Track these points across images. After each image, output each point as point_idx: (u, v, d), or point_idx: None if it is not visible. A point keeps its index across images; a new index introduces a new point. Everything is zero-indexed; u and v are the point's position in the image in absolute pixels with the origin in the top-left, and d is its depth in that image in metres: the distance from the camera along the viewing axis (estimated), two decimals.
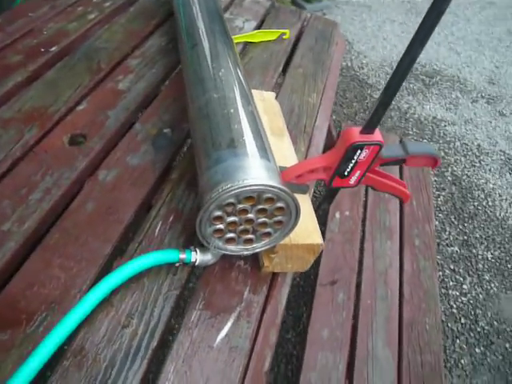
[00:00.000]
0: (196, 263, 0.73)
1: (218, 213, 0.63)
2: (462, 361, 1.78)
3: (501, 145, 2.86)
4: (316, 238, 0.75)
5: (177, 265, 0.74)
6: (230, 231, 0.67)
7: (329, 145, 1.58)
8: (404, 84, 3.23)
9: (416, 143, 0.84)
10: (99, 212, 0.80)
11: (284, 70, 1.32)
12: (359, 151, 0.73)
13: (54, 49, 1.13)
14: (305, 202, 0.78)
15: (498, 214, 2.39)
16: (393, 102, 3.08)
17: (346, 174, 0.78)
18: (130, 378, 0.61)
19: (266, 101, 0.99)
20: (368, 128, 0.73)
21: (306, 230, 0.75)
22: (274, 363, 1.61)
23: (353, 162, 0.75)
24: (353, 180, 0.80)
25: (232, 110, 0.74)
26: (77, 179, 0.85)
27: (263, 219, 0.66)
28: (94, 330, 0.65)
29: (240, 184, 0.60)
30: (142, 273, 0.72)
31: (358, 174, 0.78)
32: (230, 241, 0.69)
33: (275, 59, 1.33)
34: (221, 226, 0.65)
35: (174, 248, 0.75)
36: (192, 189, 0.88)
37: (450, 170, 2.58)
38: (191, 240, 0.79)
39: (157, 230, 0.79)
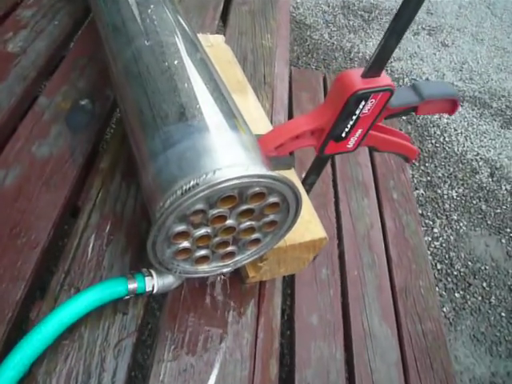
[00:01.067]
0: (154, 291, 0.50)
1: (181, 227, 0.40)
2: (444, 309, 1.70)
3: (448, 76, 2.75)
4: (317, 229, 0.54)
5: (126, 298, 0.51)
6: (201, 248, 0.44)
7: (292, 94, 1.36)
8: (343, 21, 3.02)
9: (430, 84, 0.64)
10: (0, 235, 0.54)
11: (226, 9, 1.05)
12: (363, 103, 0.52)
13: None
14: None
15: (456, 150, 2.30)
16: (334, 42, 2.88)
17: (343, 135, 0.57)
18: None
19: (214, 47, 0.74)
20: (373, 69, 0.52)
21: (302, 220, 0.53)
22: None
23: (354, 118, 0.54)
24: (352, 142, 0.59)
25: (176, 62, 0.49)
26: None
27: (249, 223, 0.43)
28: None
29: (210, 179, 0.37)
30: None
31: (359, 133, 0.58)
32: (201, 260, 0.46)
33: None
34: (186, 245, 0.42)
35: (119, 274, 0.52)
36: (131, 180, 0.63)
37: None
38: (140, 256, 0.56)
39: (89, 249, 0.55)
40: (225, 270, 0.49)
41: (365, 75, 0.52)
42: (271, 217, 0.44)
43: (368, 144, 0.62)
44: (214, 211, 0.39)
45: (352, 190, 1.32)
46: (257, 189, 0.39)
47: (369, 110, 0.54)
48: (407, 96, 0.58)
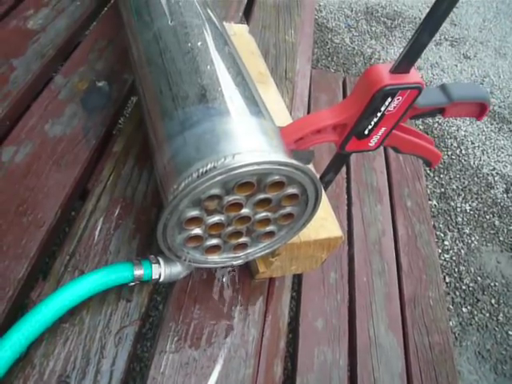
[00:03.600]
0: (160, 279, 0.48)
1: (194, 212, 0.38)
2: (451, 323, 1.66)
3: None
4: (333, 228, 0.52)
5: (131, 284, 0.49)
6: (213, 236, 0.42)
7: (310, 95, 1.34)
8: (365, 27, 3.00)
9: (461, 85, 0.61)
10: (5, 211, 0.53)
11: (250, 2, 1.03)
12: (389, 99, 0.50)
13: None
14: None
15: (472, 163, 2.27)
16: (355, 47, 2.85)
17: (366, 132, 0.55)
18: None
19: (237, 36, 0.72)
20: (403, 64, 0.49)
21: (318, 217, 0.51)
22: None
23: (379, 114, 0.52)
24: (374, 141, 0.57)
25: (199, 44, 0.47)
26: None
27: (264, 214, 0.41)
28: None
29: (230, 163, 0.35)
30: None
31: (382, 131, 0.56)
32: (212, 250, 0.44)
33: None
34: (198, 231, 0.40)
35: (124, 260, 0.50)
36: (144, 165, 0.62)
37: (415, 120, 2.41)
38: (149, 243, 0.54)
39: (97, 233, 0.53)
40: (235, 263, 0.47)
41: (394, 70, 0.50)
42: (288, 209, 0.42)
43: (390, 144, 0.60)
44: (230, 198, 0.37)
45: (365, 195, 1.29)
46: (276, 177, 0.37)
47: (395, 107, 0.52)
48: (435, 96, 0.55)
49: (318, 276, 1.09)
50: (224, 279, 0.54)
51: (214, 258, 0.45)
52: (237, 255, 0.46)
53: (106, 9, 0.87)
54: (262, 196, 0.39)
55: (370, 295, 1.08)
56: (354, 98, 0.53)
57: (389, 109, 0.52)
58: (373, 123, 0.54)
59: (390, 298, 1.09)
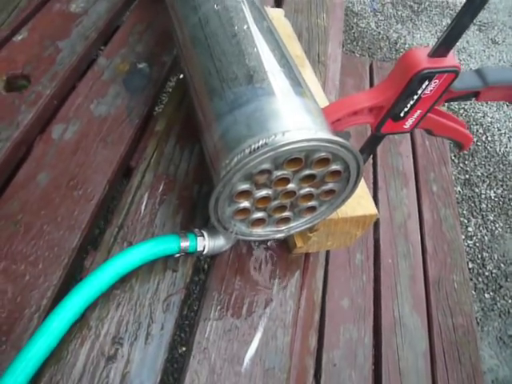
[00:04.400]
0: (204, 251, 0.51)
1: (245, 186, 0.40)
2: (473, 308, 1.67)
3: None
4: (368, 206, 0.54)
5: (177, 256, 0.52)
6: (259, 210, 0.45)
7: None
8: (391, 11, 2.95)
9: (496, 69, 0.62)
10: (58, 185, 0.56)
11: None
12: (427, 82, 0.51)
13: None
14: None
15: (498, 150, 2.24)
16: (381, 31, 2.82)
17: (402, 114, 0.56)
18: None
19: (274, 20, 0.73)
20: (441, 48, 0.51)
21: (355, 196, 0.53)
22: None
23: (415, 97, 0.54)
24: (409, 123, 0.59)
25: (245, 27, 0.49)
26: (21, 140, 0.60)
27: (308, 189, 0.44)
28: (65, 369, 0.43)
29: (280, 140, 0.37)
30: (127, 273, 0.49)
31: (417, 114, 0.57)
32: (257, 223, 0.47)
33: None
34: (246, 204, 0.43)
35: (170, 232, 0.53)
36: (185, 144, 0.64)
37: (445, 104, 2.39)
38: (191, 217, 0.57)
39: (143, 207, 0.57)
40: (277, 236, 0.50)
41: (432, 54, 0.51)
42: (330, 185, 0.44)
43: (424, 127, 0.61)
44: (279, 173, 0.40)
45: (392, 179, 1.31)
46: (323, 154, 0.39)
47: (431, 90, 0.53)
48: (471, 80, 0.56)
49: (344, 257, 1.11)
50: (264, 253, 0.57)
51: (258, 231, 0.48)
52: (279, 229, 0.49)
53: None
54: (307, 172, 0.41)
55: (395, 276, 1.10)
56: (392, 80, 0.54)
57: (425, 92, 0.53)
58: (409, 106, 0.55)
59: (414, 280, 1.11)
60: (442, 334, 1.04)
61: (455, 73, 0.52)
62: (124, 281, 0.50)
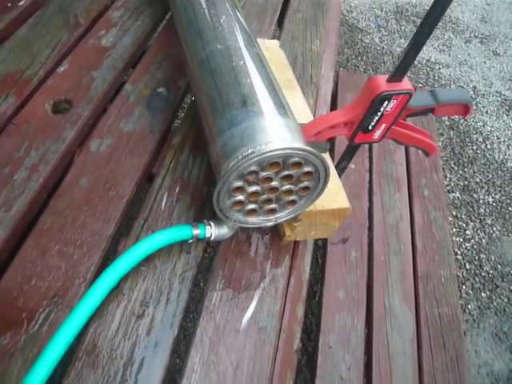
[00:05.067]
0: (211, 238, 0.65)
1: (239, 183, 0.55)
2: (469, 306, 1.78)
3: (496, 85, 2.77)
4: (342, 201, 0.67)
5: (190, 241, 0.66)
6: (251, 202, 0.59)
7: (333, 96, 1.49)
8: (395, 27, 3.09)
9: (446, 90, 0.76)
10: (96, 188, 0.71)
11: (282, 16, 1.20)
12: (386, 102, 0.65)
13: (22, 3, 0.99)
14: None
15: (496, 157, 2.34)
16: (384, 46, 2.95)
17: (370, 128, 0.70)
18: (152, 374, 0.55)
19: (269, 50, 0.88)
20: (396, 75, 0.64)
21: (331, 193, 0.67)
22: None
23: (379, 114, 0.67)
24: (377, 134, 0.72)
25: (241, 62, 0.64)
26: (66, 152, 0.75)
27: (288, 186, 0.58)
28: (105, 323, 0.58)
29: (263, 149, 0.51)
30: (151, 254, 0.64)
31: (383, 127, 0.70)
32: (251, 213, 0.61)
33: (271, 3, 1.20)
34: (241, 198, 0.57)
35: (184, 223, 0.67)
36: (196, 154, 0.79)
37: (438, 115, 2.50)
38: (201, 212, 0.71)
39: (163, 204, 0.71)
40: (268, 224, 0.64)
41: (389, 80, 0.65)
42: (306, 183, 0.58)
43: (391, 137, 0.75)
44: (264, 173, 0.54)
45: (386, 185, 1.43)
46: (296, 159, 0.53)
47: (391, 108, 0.67)
48: (424, 99, 0.70)
49: (340, 254, 1.24)
50: (259, 241, 0.71)
51: (253, 220, 0.62)
52: (269, 218, 0.63)
53: (161, 27, 1.05)
54: (286, 172, 0.55)
55: (387, 271, 1.22)
56: (360, 100, 0.68)
57: (386, 109, 0.67)
58: (375, 121, 0.68)
59: (404, 275, 1.23)
60: (428, 322, 1.16)
61: (409, 94, 0.65)
62: (149, 260, 0.64)
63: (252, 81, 0.62)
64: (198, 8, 0.77)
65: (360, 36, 2.89)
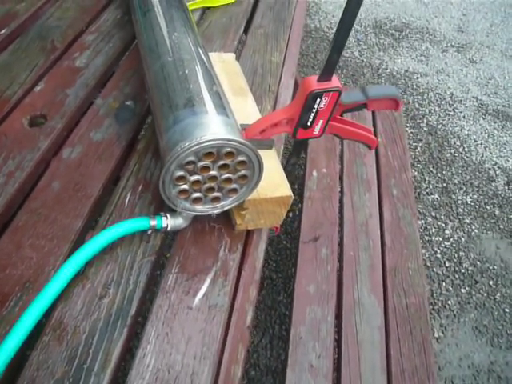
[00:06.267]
0: (168, 228, 0.73)
1: (180, 172, 0.63)
2: (449, 302, 1.83)
3: (473, 91, 2.87)
4: (285, 189, 0.75)
5: (149, 232, 0.74)
6: (195, 191, 0.67)
7: None
8: (374, 40, 3.21)
9: (376, 86, 0.84)
10: (67, 189, 0.79)
11: (245, 32, 1.30)
12: (318, 99, 0.73)
13: (4, 31, 1.09)
14: (271, 157, 0.79)
15: (474, 159, 2.43)
16: (364, 59, 3.06)
17: (308, 124, 0.78)
18: (112, 345, 0.62)
19: (225, 62, 0.98)
20: (325, 75, 0.72)
21: (274, 183, 0.75)
22: (269, 325, 1.64)
23: (314, 110, 0.75)
24: (317, 130, 0.80)
25: (187, 71, 0.73)
26: (41, 160, 0.84)
27: (227, 175, 0.66)
28: (71, 304, 0.65)
29: (198, 141, 0.59)
30: (114, 243, 0.72)
31: (320, 123, 0.78)
32: (196, 201, 0.69)
33: (235, 22, 1.31)
34: (185, 187, 0.65)
35: (144, 216, 0.75)
36: (158, 157, 0.87)
37: (425, 120, 2.60)
38: (161, 208, 0.79)
39: (126, 201, 0.79)
40: (215, 211, 0.72)
41: (319, 79, 0.73)
42: (243, 172, 0.66)
43: (332, 132, 0.82)
44: (201, 163, 0.62)
45: (356, 186, 1.51)
46: (228, 149, 0.61)
47: (324, 105, 0.75)
48: (355, 95, 0.78)
49: (311, 252, 1.31)
50: (214, 230, 0.79)
51: (199, 207, 0.70)
52: (215, 206, 0.71)
53: (131, 48, 1.15)
54: (222, 162, 0.63)
55: (356, 266, 1.30)
56: (297, 99, 0.76)
57: (320, 106, 0.75)
58: (311, 117, 0.76)
59: (373, 268, 1.30)
60: (396, 311, 1.23)
61: (338, 91, 0.74)
62: (112, 249, 0.72)
63: (196, 86, 0.70)
64: (155, 26, 0.86)
65: None
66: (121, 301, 0.67)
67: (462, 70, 3.02)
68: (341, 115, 0.81)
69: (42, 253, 0.70)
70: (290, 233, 1.90)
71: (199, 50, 0.82)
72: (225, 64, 0.97)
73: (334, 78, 0.73)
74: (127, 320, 0.65)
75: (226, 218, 0.79)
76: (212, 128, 0.63)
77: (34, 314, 0.61)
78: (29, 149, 0.84)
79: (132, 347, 0.66)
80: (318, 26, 3.28)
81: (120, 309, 0.66)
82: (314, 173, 1.52)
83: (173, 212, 0.74)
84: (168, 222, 0.73)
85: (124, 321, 0.65)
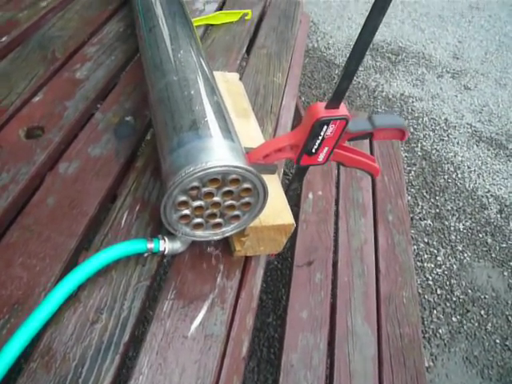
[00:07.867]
0: (165, 252, 0.71)
1: (183, 198, 0.61)
2: (440, 330, 1.82)
3: (467, 118, 2.90)
4: (287, 217, 0.73)
5: (145, 255, 0.72)
6: (197, 216, 0.65)
7: (297, 125, 1.57)
8: (371, 62, 3.24)
9: (383, 116, 0.83)
10: (62, 206, 0.77)
11: (248, 52, 1.29)
12: (325, 127, 0.72)
13: (4, 39, 1.07)
14: (273, 182, 0.77)
15: (467, 186, 2.44)
16: (360, 81, 3.08)
17: (313, 151, 0.76)
18: (103, 375, 0.59)
19: (229, 82, 0.96)
20: (333, 103, 0.71)
21: (276, 210, 0.73)
22: (257, 347, 1.61)
23: (320, 138, 0.74)
24: (321, 157, 0.78)
25: (193, 92, 0.71)
26: (36, 174, 0.81)
27: (230, 202, 0.64)
28: (61, 328, 0.62)
29: (203, 166, 0.58)
30: (109, 266, 0.69)
31: (326, 150, 0.77)
32: (197, 226, 0.67)
33: (238, 41, 1.30)
34: (187, 212, 0.63)
35: (141, 238, 0.73)
36: (158, 177, 0.85)
37: (419, 145, 2.61)
38: (159, 229, 0.77)
39: (123, 221, 0.77)
40: (215, 238, 0.69)
41: (327, 107, 0.72)
42: (247, 199, 0.64)
43: (336, 159, 0.81)
44: (205, 188, 0.60)
45: (351, 210, 1.50)
46: (234, 175, 0.60)
47: (331, 132, 0.74)
48: (362, 124, 0.77)
49: (305, 276, 1.29)
50: (212, 255, 0.76)
51: (200, 233, 0.68)
52: (215, 232, 0.69)
53: (132, 62, 1.13)
54: (226, 188, 0.61)
55: (350, 292, 1.28)
56: (303, 125, 0.75)
57: (327, 133, 0.74)
58: (317, 144, 0.75)
59: (367, 296, 1.28)
60: (389, 341, 1.21)
61: (345, 120, 0.72)
62: (106, 271, 0.69)
63: (201, 108, 0.69)
64: (161, 43, 0.85)
65: (337, 71, 3.02)
66: (114, 327, 0.64)
67: (456, 96, 3.06)
68: (346, 143, 0.80)
69: (33, 272, 0.67)
70: (281, 254, 1.88)
71: (205, 69, 0.81)
72: (228, 84, 0.96)
73: (342, 105, 0.72)
74: (120, 347, 0.62)
75: (225, 243, 0.77)
76: (218, 153, 0.61)
77: (22, 339, 0.58)
78: (24, 161, 0.82)
79: (125, 376, 0.63)
80: (315, 45, 3.30)
81: (112, 335, 0.63)
82: (310, 195, 1.51)
83: (171, 235, 0.71)
84: (166, 245, 0.70)
85: (116, 348, 0.62)
